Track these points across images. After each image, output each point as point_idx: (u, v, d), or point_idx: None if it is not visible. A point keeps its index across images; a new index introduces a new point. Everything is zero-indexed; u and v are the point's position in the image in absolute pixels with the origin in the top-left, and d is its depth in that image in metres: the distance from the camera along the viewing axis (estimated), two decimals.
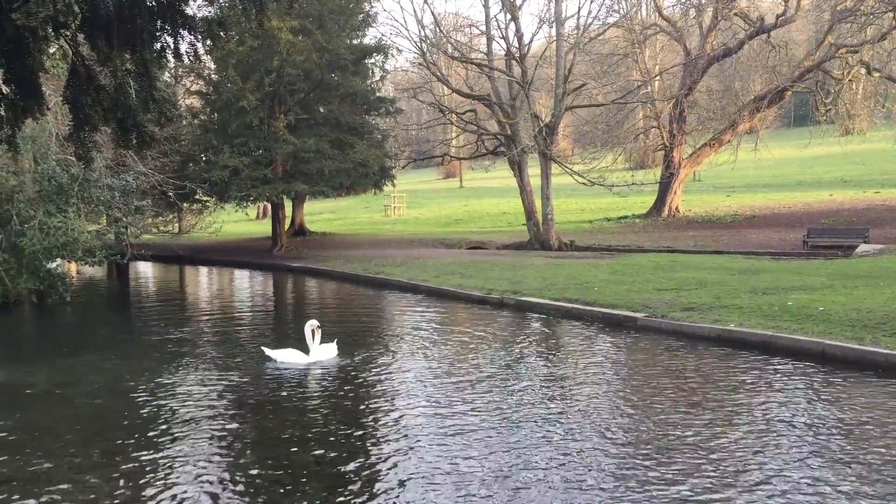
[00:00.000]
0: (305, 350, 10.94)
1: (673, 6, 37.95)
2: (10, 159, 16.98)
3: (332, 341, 11.30)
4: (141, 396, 9.10)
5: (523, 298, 15.40)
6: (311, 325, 11.06)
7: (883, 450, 6.57)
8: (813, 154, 46.67)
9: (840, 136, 36.88)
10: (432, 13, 54.29)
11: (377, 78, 33.07)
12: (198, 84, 32.92)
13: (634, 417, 7.73)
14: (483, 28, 31.13)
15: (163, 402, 8.81)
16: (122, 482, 6.37)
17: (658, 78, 38.01)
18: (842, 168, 45.70)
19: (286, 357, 10.86)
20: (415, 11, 62.56)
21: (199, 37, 8.93)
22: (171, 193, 25.78)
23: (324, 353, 11.00)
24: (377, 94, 32.87)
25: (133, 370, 10.59)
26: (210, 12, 9.87)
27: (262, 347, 11.23)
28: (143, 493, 6.14)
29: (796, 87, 33.61)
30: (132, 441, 7.44)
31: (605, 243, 28.87)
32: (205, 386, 9.63)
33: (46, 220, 17.71)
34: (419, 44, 30.33)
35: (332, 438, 7.38)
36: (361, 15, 31.52)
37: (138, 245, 22.54)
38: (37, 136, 18.53)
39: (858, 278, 14.66)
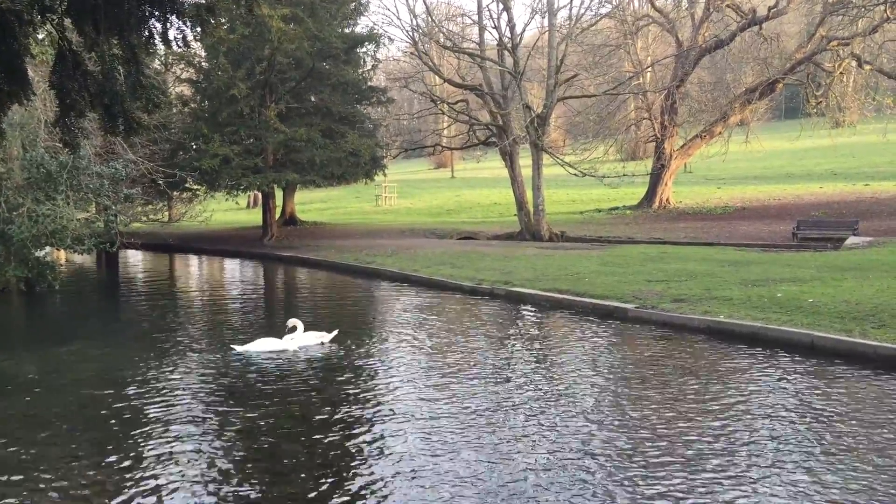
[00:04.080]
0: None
1: None
2: None
3: (330, 331, 11.31)
4: (130, 385, 9.05)
5: (514, 289, 15.39)
6: (293, 322, 11.05)
7: (868, 440, 6.60)
8: (803, 146, 46.78)
9: (830, 128, 36.98)
10: (424, 2, 53.99)
11: (369, 67, 32.90)
12: (188, 72, 32.66)
13: (624, 409, 7.74)
14: (475, 18, 31.02)
15: (152, 392, 8.77)
16: (111, 471, 6.34)
17: (650, 69, 37.98)
18: (832, 160, 45.83)
19: (263, 347, 10.79)
20: (407, 0, 62.27)
21: (189, 23, 8.84)
22: (160, 182, 25.60)
23: (304, 340, 10.95)
24: (369, 83, 32.72)
25: (122, 359, 10.53)
26: None
27: (233, 346, 11.03)
28: (133, 483, 6.10)
29: (787, 80, 33.66)
30: (121, 430, 7.40)
31: (595, 234, 28.88)
32: (193, 375, 9.59)
33: (35, 208, 17.56)
34: (411, 33, 30.25)
35: (320, 428, 7.36)
36: (353, 3, 31.36)
37: (128, 233, 22.39)
38: (25, 123, 18.36)
39: (847, 270, 14.72)
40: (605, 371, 9.36)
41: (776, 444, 6.57)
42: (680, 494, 5.61)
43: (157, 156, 27.34)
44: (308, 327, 11.32)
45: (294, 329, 11.07)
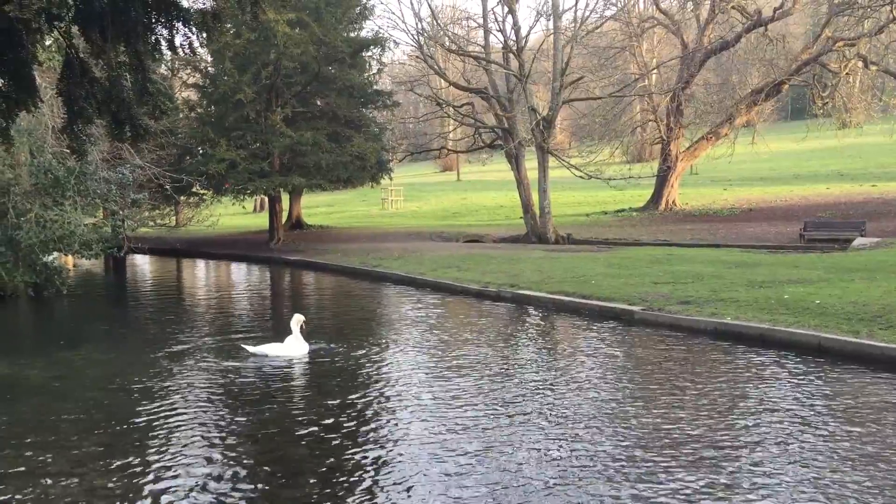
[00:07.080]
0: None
1: None
2: (6, 152, 16.91)
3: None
4: (137, 390, 9.08)
5: (520, 292, 15.39)
6: (299, 320, 11.00)
7: (877, 441, 6.58)
8: (810, 147, 46.65)
9: (837, 129, 36.87)
10: (429, 6, 54.16)
11: (374, 71, 32.99)
12: (194, 77, 32.83)
13: (631, 412, 7.73)
14: (480, 21, 31.06)
15: (159, 396, 8.80)
16: (118, 475, 6.37)
17: (655, 71, 37.95)
18: (838, 161, 45.66)
19: (275, 351, 10.81)
20: (412, 4, 62.99)
21: (195, 29, 8.88)
22: (167, 186, 25.71)
23: (300, 346, 10.94)
24: (374, 87, 32.79)
25: (129, 363, 10.58)
26: (205, 4, 9.81)
27: (244, 346, 11.07)
28: (140, 487, 6.13)
29: (793, 81, 33.60)
30: (129, 434, 7.44)
31: (602, 236, 28.88)
32: (201, 379, 9.62)
33: (43, 214, 17.66)
34: (416, 37, 30.24)
35: (327, 431, 7.37)
36: (358, 7, 31.42)
37: (135, 238, 22.50)
38: (33, 129, 18.46)
39: (855, 272, 14.67)
40: (613, 374, 9.35)
41: (784, 445, 6.55)
42: (692, 497, 5.60)
43: (164, 161, 27.42)
44: (314, 331, 11.30)
45: (302, 326, 10.98)
